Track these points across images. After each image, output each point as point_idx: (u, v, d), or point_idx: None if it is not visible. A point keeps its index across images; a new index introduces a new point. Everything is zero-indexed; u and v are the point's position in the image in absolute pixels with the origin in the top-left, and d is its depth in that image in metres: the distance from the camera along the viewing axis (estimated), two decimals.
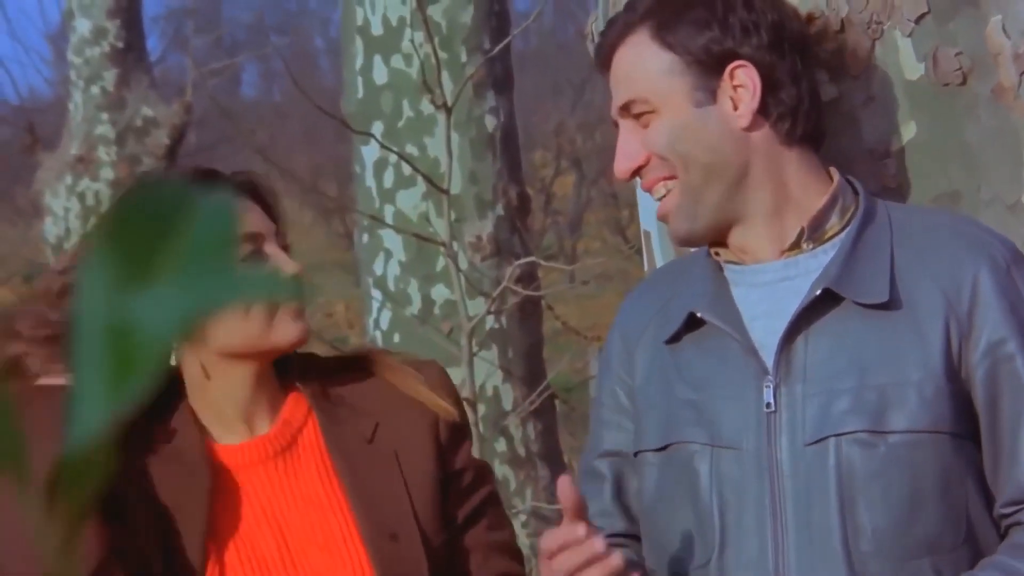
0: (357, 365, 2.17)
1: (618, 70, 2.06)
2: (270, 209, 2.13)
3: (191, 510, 2.01)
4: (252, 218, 2.07)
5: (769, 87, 1.99)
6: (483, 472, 2.21)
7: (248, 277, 0.40)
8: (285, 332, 2.05)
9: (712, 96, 2.00)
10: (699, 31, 2.00)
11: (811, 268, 1.98)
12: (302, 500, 2.06)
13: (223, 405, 2.08)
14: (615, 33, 2.07)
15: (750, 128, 2.00)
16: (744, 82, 1.99)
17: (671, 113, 2.00)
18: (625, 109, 2.04)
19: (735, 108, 1.99)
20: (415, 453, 2.10)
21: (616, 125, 2.08)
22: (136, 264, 0.41)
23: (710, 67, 2.00)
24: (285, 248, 2.12)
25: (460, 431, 2.17)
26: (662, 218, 2.06)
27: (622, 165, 2.05)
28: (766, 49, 2.00)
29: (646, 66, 2.02)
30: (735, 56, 1.99)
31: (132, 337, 0.40)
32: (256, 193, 2.12)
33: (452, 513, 2.13)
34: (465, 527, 2.14)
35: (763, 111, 1.99)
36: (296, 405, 2.11)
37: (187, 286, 0.41)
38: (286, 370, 2.13)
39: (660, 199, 2.04)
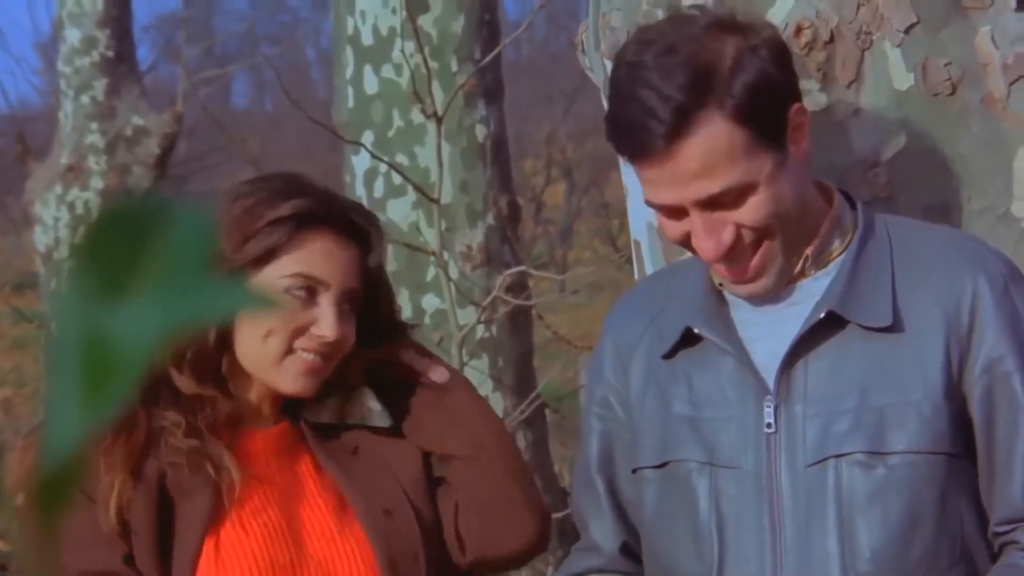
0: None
1: (697, 163, 1.87)
2: (372, 272, 2.10)
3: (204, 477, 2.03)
4: (326, 265, 2.05)
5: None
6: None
7: (225, 291, 0.40)
8: (290, 380, 2.05)
9: (786, 150, 1.91)
10: (760, 81, 1.88)
11: (813, 292, 1.97)
12: (301, 497, 2.09)
13: (248, 394, 2.11)
14: (669, 125, 1.86)
15: (807, 162, 1.96)
16: (800, 121, 1.92)
17: (768, 184, 1.89)
18: (710, 201, 1.90)
19: (798, 148, 1.93)
20: (400, 461, 2.13)
21: (673, 210, 1.94)
22: (113, 278, 0.41)
23: (776, 120, 1.90)
24: (371, 311, 2.10)
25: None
26: (750, 279, 1.94)
27: (717, 248, 1.90)
28: (791, 75, 1.95)
29: (731, 151, 1.87)
30: (790, 96, 1.92)
31: (109, 351, 0.40)
32: (361, 238, 2.09)
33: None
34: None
35: None
36: (289, 430, 2.14)
37: (164, 300, 0.41)
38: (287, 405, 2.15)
39: (738, 272, 1.95)
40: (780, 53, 1.93)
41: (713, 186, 1.87)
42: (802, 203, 1.94)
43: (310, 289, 2.04)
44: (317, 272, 2.05)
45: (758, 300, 1.97)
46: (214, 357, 2.06)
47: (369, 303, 2.12)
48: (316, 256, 2.05)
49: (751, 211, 1.89)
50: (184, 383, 2.05)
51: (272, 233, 2.04)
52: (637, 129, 1.89)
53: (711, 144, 1.86)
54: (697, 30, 1.91)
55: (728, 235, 1.89)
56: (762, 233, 1.91)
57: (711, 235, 1.90)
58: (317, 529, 2.07)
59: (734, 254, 1.92)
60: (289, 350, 2.04)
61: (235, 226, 2.03)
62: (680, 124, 1.86)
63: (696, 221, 1.90)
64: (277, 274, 2.04)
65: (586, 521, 2.14)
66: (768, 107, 1.89)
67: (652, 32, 1.95)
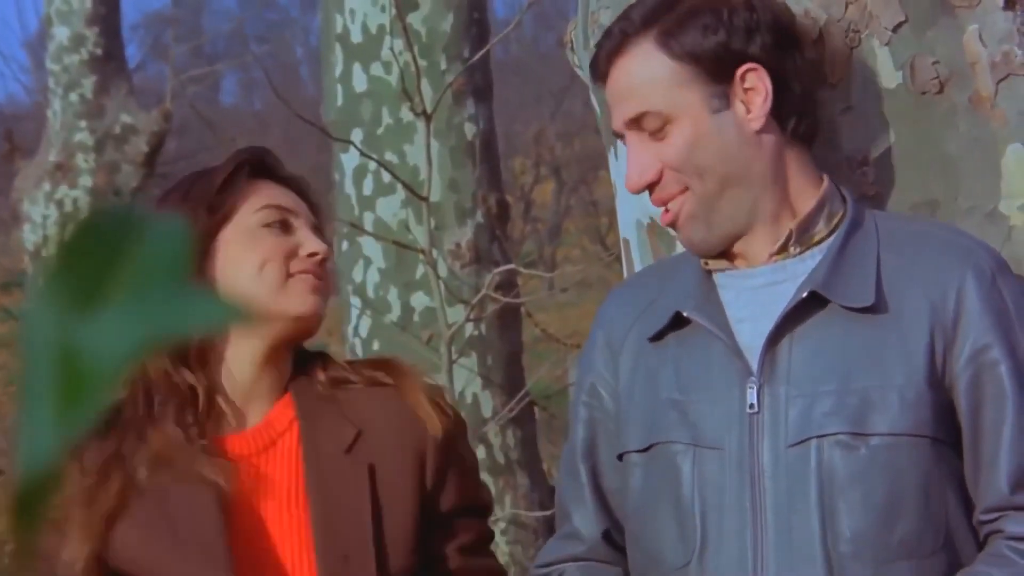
0: (369, 371, 2.17)
1: (622, 82, 2.01)
2: (314, 207, 2.18)
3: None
4: (283, 197, 2.13)
5: (776, 86, 1.98)
6: (478, 507, 2.20)
7: (199, 303, 0.40)
8: (298, 301, 2.06)
9: (727, 101, 1.98)
10: (705, 36, 1.97)
11: (798, 272, 1.99)
12: (268, 504, 2.06)
13: (226, 386, 2.09)
14: (613, 44, 2.01)
15: (762, 130, 1.99)
16: (755, 84, 1.98)
17: (690, 122, 1.97)
18: (635, 122, 2.00)
19: (748, 111, 1.98)
20: (392, 469, 2.08)
21: (620, 136, 2.05)
22: (87, 289, 0.41)
23: (721, 72, 1.97)
24: (319, 231, 2.16)
25: (452, 458, 2.15)
26: (669, 225, 2.03)
27: (636, 179, 2.00)
28: (771, 48, 1.99)
29: (655, 77, 1.98)
30: (743, 58, 1.97)
31: (82, 362, 0.40)
32: (300, 190, 2.17)
33: (434, 546, 2.13)
34: (449, 561, 2.15)
35: (772, 111, 1.99)
36: (285, 408, 2.10)
37: (137, 311, 0.40)
38: (294, 367, 2.13)
39: (664, 215, 2.02)
40: (753, 22, 1.98)
41: (634, 105, 1.98)
42: (742, 167, 1.98)
43: (283, 221, 2.10)
44: (284, 202, 2.12)
45: (696, 252, 2.03)
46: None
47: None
48: (277, 193, 2.14)
49: (669, 147, 1.97)
50: (180, 376, 2.06)
51: (231, 187, 2.10)
52: (598, 44, 2.06)
53: (639, 65, 1.99)
54: None
55: (651, 172, 1.98)
56: (682, 182, 1.97)
57: (635, 165, 2.00)
58: (275, 551, 2.04)
59: (660, 197, 2.00)
60: (287, 274, 2.07)
61: (194, 203, 2.08)
62: (621, 44, 2.00)
63: (629, 149, 2.01)
64: (250, 212, 2.10)
65: (568, 509, 2.14)
66: (708, 55, 1.97)
67: None
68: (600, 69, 2.03)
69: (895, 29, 2.18)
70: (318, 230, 2.15)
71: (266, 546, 2.04)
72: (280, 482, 2.07)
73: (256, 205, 2.09)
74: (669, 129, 1.97)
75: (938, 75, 2.17)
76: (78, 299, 0.41)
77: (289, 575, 2.03)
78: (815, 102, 2.06)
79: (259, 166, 2.15)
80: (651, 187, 2.00)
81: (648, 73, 1.98)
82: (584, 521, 2.12)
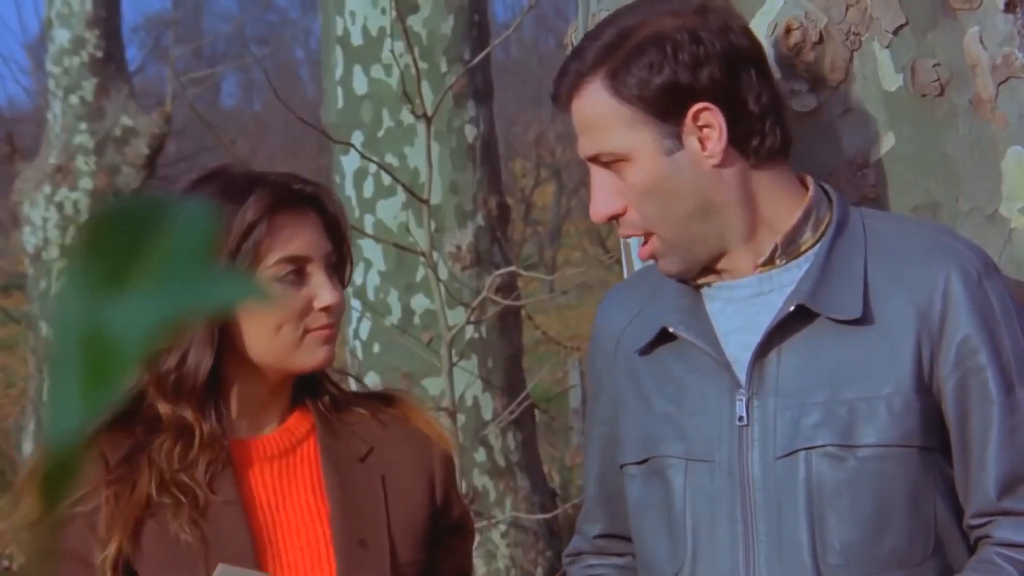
0: (374, 400, 2.25)
1: (579, 121, 2.00)
2: (333, 224, 2.14)
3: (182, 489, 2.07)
4: (299, 241, 2.09)
5: (732, 119, 1.95)
6: (468, 522, 2.28)
7: (223, 284, 0.40)
8: (310, 356, 2.10)
9: (679, 141, 1.95)
10: (651, 75, 1.94)
11: (785, 282, 1.98)
12: (292, 504, 2.12)
13: (234, 401, 2.14)
14: (568, 83, 2.00)
15: (720, 164, 1.96)
16: (709, 122, 1.94)
17: (644, 163, 1.95)
18: (594, 159, 2.00)
19: (703, 148, 1.95)
20: (403, 482, 2.16)
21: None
22: (112, 271, 0.41)
23: (670, 112, 1.94)
24: (342, 265, 2.15)
25: (453, 477, 2.24)
26: (647, 259, 2.03)
27: (602, 210, 2.00)
28: (720, 79, 1.95)
29: (607, 121, 1.96)
30: (693, 95, 1.94)
31: (107, 344, 0.41)
32: (320, 207, 2.13)
33: (436, 556, 2.20)
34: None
35: (730, 141, 1.96)
36: (301, 419, 2.17)
37: (162, 293, 0.41)
38: (303, 384, 2.18)
39: (642, 244, 2.02)
40: (700, 55, 1.94)
41: (590, 146, 1.99)
42: (703, 202, 1.96)
43: (298, 270, 2.09)
44: (298, 251, 2.09)
45: (678, 279, 2.03)
46: (195, 375, 2.08)
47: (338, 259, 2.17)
48: (290, 237, 2.09)
49: (628, 189, 1.97)
50: (165, 408, 2.08)
51: (248, 238, 2.06)
52: (555, 79, 2.03)
53: (592, 106, 1.98)
54: (665, 6, 1.98)
55: (615, 205, 1.98)
56: (645, 226, 1.97)
57: (599, 196, 2.00)
58: (303, 539, 2.10)
59: (625, 232, 2.03)
60: (303, 332, 2.09)
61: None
62: (575, 84, 1.99)
63: (592, 179, 2.01)
64: (263, 269, 2.08)
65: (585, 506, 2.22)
66: (655, 96, 1.94)
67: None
68: (560, 103, 2.03)
69: (896, 31, 2.19)
70: (334, 269, 2.13)
71: (288, 546, 2.10)
72: (302, 482, 2.14)
73: (270, 260, 2.07)
74: (626, 166, 1.96)
75: (939, 77, 2.18)
76: (105, 280, 0.41)
77: (310, 565, 2.09)
78: (780, 112, 2.02)
79: (276, 200, 2.09)
80: (618, 220, 2.00)
81: (599, 116, 1.97)
82: (589, 519, 2.19)
